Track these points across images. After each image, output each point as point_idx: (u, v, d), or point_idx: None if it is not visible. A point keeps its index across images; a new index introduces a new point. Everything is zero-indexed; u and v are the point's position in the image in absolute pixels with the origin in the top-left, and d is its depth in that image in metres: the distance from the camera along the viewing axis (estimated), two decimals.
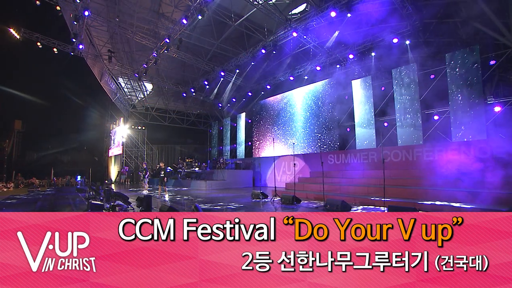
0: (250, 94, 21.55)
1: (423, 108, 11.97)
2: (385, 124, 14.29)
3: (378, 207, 7.63)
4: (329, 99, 16.64)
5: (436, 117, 12.15)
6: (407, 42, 12.07)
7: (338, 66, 15.96)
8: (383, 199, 7.78)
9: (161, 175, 12.06)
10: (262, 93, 21.18)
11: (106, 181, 24.88)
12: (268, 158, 17.96)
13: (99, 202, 8.22)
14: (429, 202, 7.26)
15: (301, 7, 14.91)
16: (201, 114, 28.64)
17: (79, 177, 24.24)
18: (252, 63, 17.56)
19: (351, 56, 14.65)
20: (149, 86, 24.84)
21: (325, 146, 16.32)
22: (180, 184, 17.86)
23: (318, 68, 16.71)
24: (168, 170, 22.80)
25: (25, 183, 26.46)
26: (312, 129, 17.50)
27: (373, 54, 13.57)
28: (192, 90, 21.84)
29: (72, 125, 29.90)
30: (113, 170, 26.81)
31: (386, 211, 5.49)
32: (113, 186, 19.99)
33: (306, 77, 18.17)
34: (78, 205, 8.82)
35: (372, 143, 13.52)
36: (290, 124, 18.99)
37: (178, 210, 7.11)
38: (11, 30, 15.83)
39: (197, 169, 18.47)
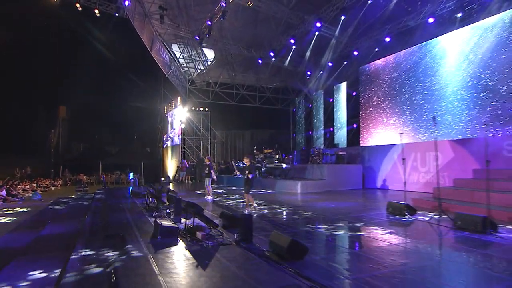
0: (356, 53, 19.19)
1: None
2: None
3: None
4: None
5: None
6: None
7: None
8: None
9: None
10: (377, 49, 18.64)
11: (163, 179, 24.75)
12: (385, 147, 16.60)
13: (171, 224, 6.62)
14: None
15: None
16: (279, 88, 27.55)
17: (131, 174, 24.55)
18: (370, 1, 14.64)
19: None
20: (210, 54, 24.19)
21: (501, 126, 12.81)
22: (260, 184, 17.02)
23: None
24: (240, 165, 21.85)
25: (73, 180, 28.17)
26: (473, 99, 14.05)
27: None
28: (272, 54, 20.08)
29: (120, 109, 31.43)
30: (170, 165, 26.75)
31: None
32: (171, 186, 19.51)
33: (459, 15, 14.56)
34: (141, 225, 7.62)
35: None
36: (425, 94, 15.96)
37: (307, 247, 5.07)
38: None
39: (284, 164, 16.99)
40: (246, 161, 10.02)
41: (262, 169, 18.34)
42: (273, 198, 12.72)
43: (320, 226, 7.52)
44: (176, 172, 23.63)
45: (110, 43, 25.66)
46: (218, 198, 13.37)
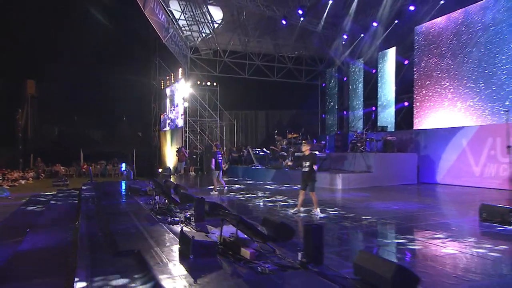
0: (412, 8, 18.38)
1: None
2: None
3: None
4: None
5: None
6: None
7: None
8: None
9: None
10: (442, 1, 17.70)
11: (161, 170, 24.62)
12: (449, 130, 16.35)
13: (206, 239, 5.90)
14: None
15: None
16: (303, 57, 27.04)
17: (123, 165, 24.04)
18: None
19: None
20: (217, 14, 23.71)
21: None
22: (287, 177, 17.21)
23: None
24: (260, 153, 21.25)
25: (47, 172, 27.66)
26: None
27: None
28: (301, 12, 19.76)
29: (104, 84, 30.52)
30: (170, 153, 26.46)
31: None
32: (172, 179, 19.41)
33: None
34: (157, 237, 6.86)
35: None
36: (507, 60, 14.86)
37: (418, 277, 4.34)
38: None
39: (317, 152, 16.25)
40: (305, 149, 9.59)
41: (289, 159, 18.30)
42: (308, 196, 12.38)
43: (401, 238, 6.97)
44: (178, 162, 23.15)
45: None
46: (231, 194, 13.35)
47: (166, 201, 9.75)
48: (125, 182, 17.49)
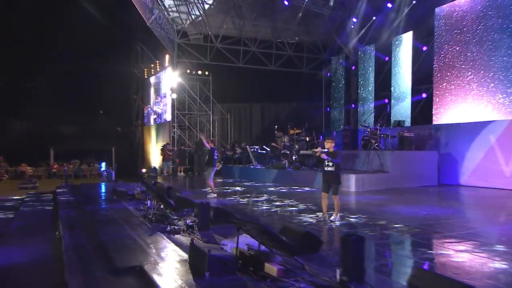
0: None
1: None
2: None
3: None
4: None
5: None
6: None
7: None
8: None
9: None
10: None
11: (145, 171, 24.49)
12: (474, 125, 16.35)
13: (223, 253, 5.83)
14: None
15: None
16: (305, 43, 27.00)
17: (103, 165, 24.43)
18: None
19: None
20: None
21: None
22: (291, 178, 17.47)
23: None
24: (259, 151, 21.05)
25: (11, 173, 27.18)
26: None
27: None
28: None
29: (77, 71, 30.02)
30: (155, 151, 26.31)
31: None
32: (160, 180, 19.17)
33: None
34: (159, 248, 6.68)
35: None
36: None
37: None
38: None
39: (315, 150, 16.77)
40: (329, 146, 9.40)
41: (293, 158, 18.40)
42: (318, 199, 12.64)
43: (446, 249, 6.77)
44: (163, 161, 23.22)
45: None
46: (231, 198, 13.32)
47: (162, 206, 9.56)
48: (106, 184, 17.37)
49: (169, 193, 11.09)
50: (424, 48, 19.84)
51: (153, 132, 27.41)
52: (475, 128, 15.90)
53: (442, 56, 18.32)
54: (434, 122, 18.33)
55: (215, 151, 13.30)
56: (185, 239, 7.06)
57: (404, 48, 20.38)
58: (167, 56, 24.70)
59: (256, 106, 28.53)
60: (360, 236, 5.40)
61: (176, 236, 7.41)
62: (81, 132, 33.61)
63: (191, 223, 8.03)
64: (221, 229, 7.66)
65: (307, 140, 19.69)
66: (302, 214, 9.97)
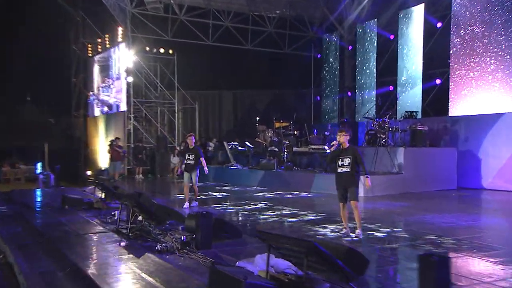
0: None
1: None
2: None
3: None
4: None
5: None
6: None
7: None
8: None
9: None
10: None
11: (90, 173, 24.37)
12: (500, 117, 16.48)
13: (264, 281, 5.41)
14: None
15: None
16: (287, 18, 27.05)
17: (39, 166, 24.00)
18: None
19: None
20: None
21: None
22: (281, 180, 17.83)
23: None
24: (239, 148, 20.83)
25: None
26: None
27: None
28: None
29: None
30: (104, 149, 25.38)
31: None
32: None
33: None
34: (160, 276, 6.27)
35: None
36: None
37: None
38: None
39: (326, 147, 17.38)
40: (343, 140, 8.92)
41: (284, 156, 18.57)
42: (324, 207, 12.88)
43: None
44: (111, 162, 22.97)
45: None
46: (216, 206, 13.32)
47: (139, 218, 9.21)
48: (46, 191, 17.07)
49: (142, 201, 10.86)
50: (439, 25, 19.96)
51: (101, 125, 26.97)
52: (503, 121, 16.06)
53: (461, 37, 18.44)
54: (451, 114, 18.40)
55: (200, 149, 13.12)
56: (186, 260, 6.74)
57: (414, 24, 20.37)
58: (119, 30, 24.20)
59: (227, 93, 28.54)
60: (444, 257, 5.21)
61: (169, 256, 7.02)
62: (1, 125, 32.38)
63: (185, 240, 7.68)
64: (226, 246, 7.52)
65: (295, 134, 19.85)
66: (316, 226, 9.79)
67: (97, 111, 27.64)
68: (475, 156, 16.80)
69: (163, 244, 7.63)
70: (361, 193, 14.10)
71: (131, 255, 7.23)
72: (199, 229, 7.68)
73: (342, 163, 8.72)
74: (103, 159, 25.95)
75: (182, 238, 7.79)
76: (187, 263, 6.60)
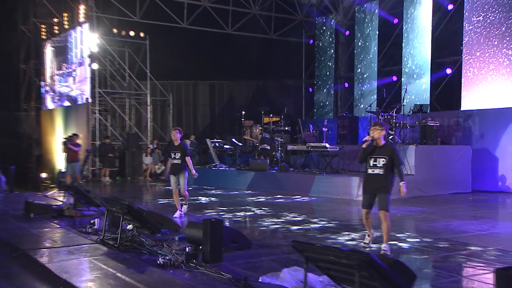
0: None
1: None
2: None
3: None
4: None
5: None
6: None
7: None
8: None
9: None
10: None
11: (46, 176, 23.91)
12: None
13: None
14: None
15: None
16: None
17: None
18: None
19: None
20: None
21: None
22: (275, 182, 18.12)
23: None
24: (224, 147, 20.64)
25: None
26: None
27: None
28: None
29: None
30: (59, 147, 24.58)
31: None
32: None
33: None
34: None
35: None
36: None
37: None
38: None
39: (327, 145, 17.96)
40: (377, 136, 8.52)
41: (277, 155, 18.78)
42: (332, 213, 13.15)
43: None
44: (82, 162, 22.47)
45: None
46: (207, 212, 13.30)
47: (128, 227, 9.21)
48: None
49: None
50: (450, 7, 19.96)
51: (57, 119, 26.35)
52: None
53: (475, 24, 18.55)
54: (464, 107, 18.53)
55: (187, 146, 12.61)
56: (197, 276, 6.60)
57: (422, 6, 20.48)
58: (82, 8, 23.60)
59: (203, 84, 28.54)
60: None
61: (173, 271, 6.89)
62: None
63: (190, 252, 7.56)
64: (237, 259, 7.54)
65: (286, 130, 20.12)
66: (333, 235, 9.74)
67: (49, 104, 27.39)
68: (491, 155, 17.03)
69: (166, 257, 7.39)
70: None
71: (131, 270, 7.00)
72: (207, 239, 7.43)
73: (374, 163, 8.40)
74: (60, 160, 25.24)
75: (188, 250, 7.66)
76: (199, 279, 6.44)
